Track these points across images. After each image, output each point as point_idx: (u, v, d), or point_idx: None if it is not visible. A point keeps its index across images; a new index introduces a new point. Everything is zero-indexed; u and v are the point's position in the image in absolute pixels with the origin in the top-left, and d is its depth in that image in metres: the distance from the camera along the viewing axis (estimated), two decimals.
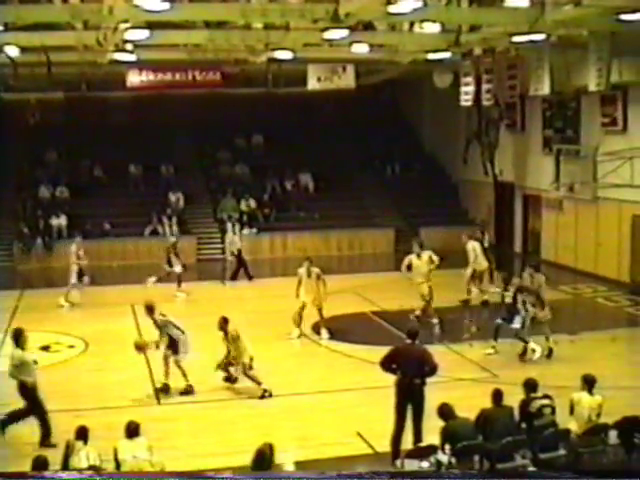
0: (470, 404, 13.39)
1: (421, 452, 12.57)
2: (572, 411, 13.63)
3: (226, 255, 31.48)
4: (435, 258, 24.01)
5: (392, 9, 20.61)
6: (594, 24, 23.67)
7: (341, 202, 39.98)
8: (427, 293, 23.61)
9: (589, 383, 13.73)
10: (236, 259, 31.53)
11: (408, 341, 14.84)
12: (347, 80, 32.06)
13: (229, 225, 34.66)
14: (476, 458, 12.44)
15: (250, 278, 31.52)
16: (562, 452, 12.82)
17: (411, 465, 12.01)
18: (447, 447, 12.36)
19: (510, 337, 20.93)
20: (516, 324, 20.51)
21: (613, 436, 12.75)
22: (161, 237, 36.66)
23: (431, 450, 12.36)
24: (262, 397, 18.32)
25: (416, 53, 29.78)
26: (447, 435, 12.50)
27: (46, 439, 15.47)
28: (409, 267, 24.15)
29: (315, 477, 8.22)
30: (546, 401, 13.47)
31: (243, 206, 38.50)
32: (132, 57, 28.26)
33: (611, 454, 12.43)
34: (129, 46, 26.52)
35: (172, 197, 38.61)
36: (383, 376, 15.02)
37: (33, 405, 15.81)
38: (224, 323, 18.67)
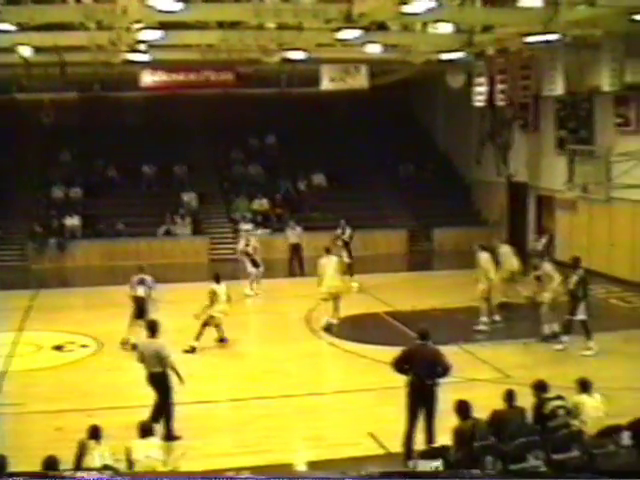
0: (483, 405, 13.33)
1: (434, 453, 12.52)
2: (575, 414, 13.53)
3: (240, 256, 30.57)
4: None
5: (406, 9, 20.63)
6: (608, 24, 23.62)
7: (354, 202, 39.88)
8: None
9: (584, 386, 13.66)
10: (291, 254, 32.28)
11: (419, 341, 14.80)
12: (360, 80, 32.05)
13: (290, 222, 34.30)
14: (489, 459, 12.40)
15: (295, 275, 32.11)
16: (575, 453, 12.77)
17: (424, 466, 11.97)
18: (460, 448, 12.33)
19: (521, 337, 20.87)
20: (580, 315, 20.84)
21: (626, 437, 12.68)
22: (174, 237, 36.79)
23: (444, 451, 12.32)
24: (186, 351, 20.82)
25: (429, 53, 29.80)
26: (460, 436, 12.48)
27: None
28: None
29: (336, 477, 8.29)
30: (560, 402, 13.41)
31: (256, 206, 38.58)
32: (145, 57, 28.34)
33: (625, 455, 12.36)
34: (142, 46, 26.60)
35: (185, 197, 38.69)
36: (396, 376, 14.94)
37: (167, 395, 15.69)
38: (214, 279, 21.89)
